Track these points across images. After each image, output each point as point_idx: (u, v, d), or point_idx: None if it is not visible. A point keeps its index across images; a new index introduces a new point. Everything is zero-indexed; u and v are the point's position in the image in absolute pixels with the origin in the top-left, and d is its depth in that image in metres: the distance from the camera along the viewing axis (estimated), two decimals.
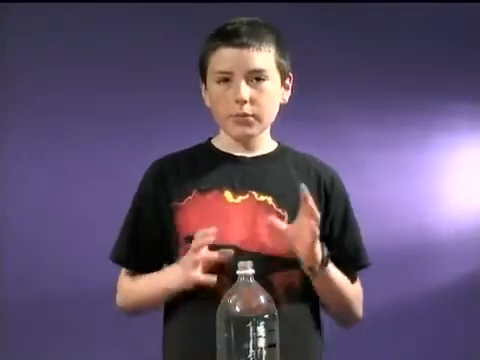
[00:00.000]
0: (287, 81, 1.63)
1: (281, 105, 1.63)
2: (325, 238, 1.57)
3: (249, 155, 1.62)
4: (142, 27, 3.07)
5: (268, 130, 1.66)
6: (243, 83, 1.54)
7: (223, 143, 1.64)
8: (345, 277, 1.59)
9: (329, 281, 1.53)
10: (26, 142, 2.93)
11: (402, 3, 3.31)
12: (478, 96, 3.49)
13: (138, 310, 1.66)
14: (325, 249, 1.49)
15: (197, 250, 1.47)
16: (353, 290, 1.63)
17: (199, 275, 1.48)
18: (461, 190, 3.47)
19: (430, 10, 3.34)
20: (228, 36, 1.55)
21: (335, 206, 1.62)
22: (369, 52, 3.34)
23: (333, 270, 1.53)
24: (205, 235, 1.48)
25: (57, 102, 2.94)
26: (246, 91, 1.54)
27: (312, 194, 1.46)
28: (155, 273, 1.58)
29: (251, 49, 1.54)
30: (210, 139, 1.68)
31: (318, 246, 1.46)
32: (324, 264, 1.48)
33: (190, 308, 1.54)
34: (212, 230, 1.48)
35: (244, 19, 1.59)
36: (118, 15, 3.04)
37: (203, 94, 1.65)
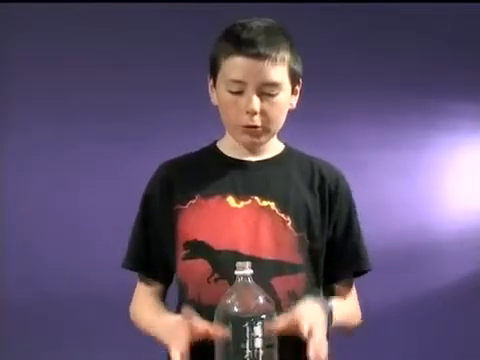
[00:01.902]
0: (297, 87, 1.59)
1: (289, 111, 1.59)
2: (327, 241, 1.57)
3: (255, 159, 1.60)
4: (142, 27, 3.07)
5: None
6: (255, 95, 1.49)
7: (229, 147, 1.62)
8: (347, 309, 1.56)
9: (336, 325, 1.49)
10: (26, 142, 2.93)
11: (402, 3, 3.30)
12: (479, 96, 3.49)
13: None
14: (327, 305, 1.45)
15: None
16: (353, 312, 1.61)
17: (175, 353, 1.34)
18: (462, 190, 3.46)
19: (430, 10, 3.34)
20: (243, 45, 1.48)
21: (339, 208, 1.60)
22: (369, 52, 3.34)
23: (338, 319, 1.49)
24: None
25: (57, 102, 2.94)
26: (257, 103, 1.50)
27: (314, 197, 1.50)
28: (157, 317, 1.53)
29: (266, 62, 1.47)
30: (215, 142, 1.65)
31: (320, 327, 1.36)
32: (331, 323, 1.44)
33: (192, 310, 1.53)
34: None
35: (260, 24, 1.51)
36: (118, 15, 3.04)
37: (210, 90, 1.60)
